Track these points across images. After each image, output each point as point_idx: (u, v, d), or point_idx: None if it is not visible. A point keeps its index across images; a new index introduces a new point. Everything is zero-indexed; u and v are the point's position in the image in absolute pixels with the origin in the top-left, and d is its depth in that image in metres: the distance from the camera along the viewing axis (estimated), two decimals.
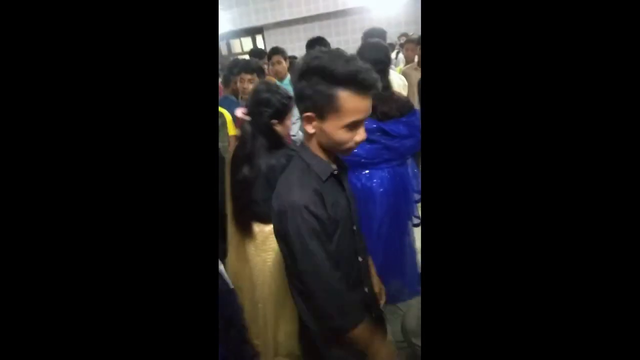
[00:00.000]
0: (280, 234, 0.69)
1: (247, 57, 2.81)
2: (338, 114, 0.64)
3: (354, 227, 0.77)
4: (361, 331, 0.70)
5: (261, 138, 1.09)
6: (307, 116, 0.67)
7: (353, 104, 0.63)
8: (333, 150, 0.71)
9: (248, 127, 1.11)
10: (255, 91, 1.13)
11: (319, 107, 0.65)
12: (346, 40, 4.66)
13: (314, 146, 0.72)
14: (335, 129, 0.65)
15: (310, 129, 0.68)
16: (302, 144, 0.74)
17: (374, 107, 0.69)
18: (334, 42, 4.88)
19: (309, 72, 0.64)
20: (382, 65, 1.34)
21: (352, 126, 0.66)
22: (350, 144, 0.68)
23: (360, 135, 0.68)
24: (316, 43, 2.32)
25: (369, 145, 1.32)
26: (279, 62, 2.23)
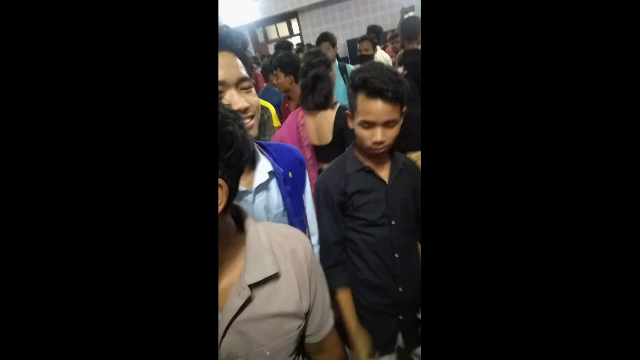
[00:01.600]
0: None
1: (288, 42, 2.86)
2: (357, 113, 0.80)
3: (392, 222, 0.87)
4: (340, 298, 0.85)
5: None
6: (348, 113, 0.86)
7: (365, 106, 0.78)
8: (361, 146, 0.86)
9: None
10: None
11: (351, 107, 0.83)
12: (384, 17, 4.51)
13: (358, 146, 0.89)
14: (357, 126, 0.81)
15: (350, 125, 0.86)
16: (351, 147, 0.92)
17: None
18: (371, 19, 4.73)
19: (352, 83, 0.82)
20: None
21: (367, 126, 0.79)
22: (369, 143, 0.81)
23: (377, 137, 0.79)
24: (324, 39, 2.40)
25: None
26: (327, 49, 2.26)
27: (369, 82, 0.75)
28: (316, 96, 1.35)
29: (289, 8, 4.87)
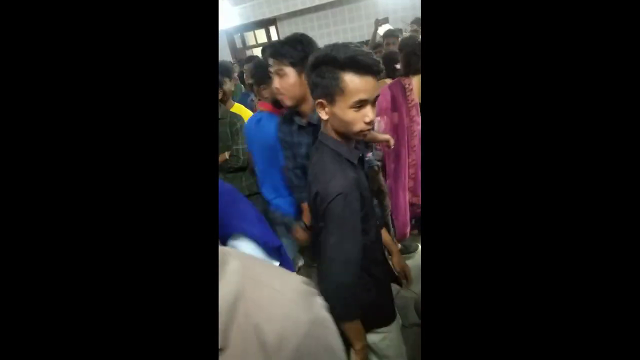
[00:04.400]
0: (321, 214, 0.76)
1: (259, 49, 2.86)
2: (344, 95, 0.72)
3: (375, 201, 0.87)
4: (352, 327, 0.78)
5: None
6: (320, 102, 0.76)
7: (356, 84, 0.71)
8: (347, 133, 0.77)
9: None
10: None
11: (329, 92, 0.73)
12: (360, 27, 4.61)
13: (332, 133, 0.80)
14: (344, 110, 0.73)
15: (324, 115, 0.77)
16: (322, 133, 0.82)
17: None
18: (348, 29, 4.83)
19: (317, 64, 0.73)
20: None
21: (359, 106, 0.73)
22: (361, 125, 0.74)
23: (369, 116, 0.74)
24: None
25: None
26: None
27: (358, 59, 0.70)
28: (414, 64, 1.71)
29: (267, 15, 4.90)
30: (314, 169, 0.81)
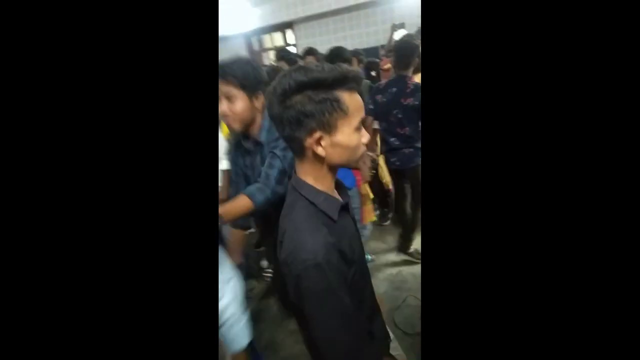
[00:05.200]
0: (293, 288, 0.60)
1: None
2: (347, 117, 0.60)
3: (367, 257, 0.73)
4: None
5: None
6: (317, 137, 0.60)
7: (355, 101, 0.61)
8: (349, 164, 0.65)
9: None
10: None
11: (327, 119, 0.59)
12: (376, 31, 4.64)
13: (309, 178, 0.65)
14: (349, 136, 0.61)
15: (322, 151, 0.61)
16: (297, 178, 0.66)
17: None
18: (363, 33, 4.87)
19: (298, 90, 0.58)
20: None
21: (359, 127, 0.62)
22: (362, 149, 0.63)
23: (365, 135, 0.64)
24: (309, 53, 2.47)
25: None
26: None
27: (347, 76, 0.60)
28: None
29: (285, 18, 4.97)
30: (283, 223, 0.65)
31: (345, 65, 0.62)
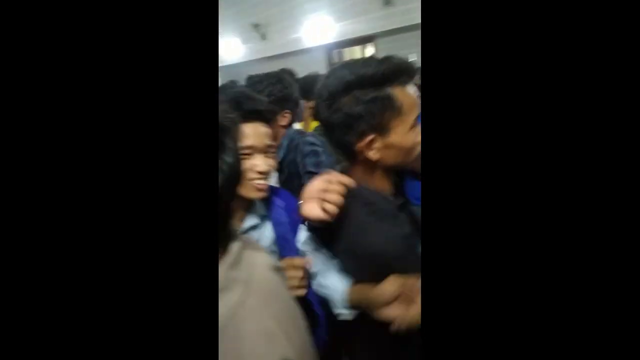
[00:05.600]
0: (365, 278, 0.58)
1: None
2: (402, 116, 0.55)
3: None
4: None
5: None
6: (370, 140, 0.55)
7: (409, 97, 0.56)
8: (404, 165, 0.60)
9: None
10: None
11: (379, 120, 0.54)
12: None
13: (365, 183, 0.60)
14: (404, 136, 0.56)
15: (375, 155, 0.56)
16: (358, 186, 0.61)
17: None
18: None
19: (345, 90, 0.54)
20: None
21: (414, 125, 0.56)
22: (419, 148, 0.57)
23: (419, 133, 0.56)
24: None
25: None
26: None
27: (401, 67, 0.57)
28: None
29: (366, 32, 5.02)
30: (352, 228, 0.60)
31: (397, 57, 0.56)
